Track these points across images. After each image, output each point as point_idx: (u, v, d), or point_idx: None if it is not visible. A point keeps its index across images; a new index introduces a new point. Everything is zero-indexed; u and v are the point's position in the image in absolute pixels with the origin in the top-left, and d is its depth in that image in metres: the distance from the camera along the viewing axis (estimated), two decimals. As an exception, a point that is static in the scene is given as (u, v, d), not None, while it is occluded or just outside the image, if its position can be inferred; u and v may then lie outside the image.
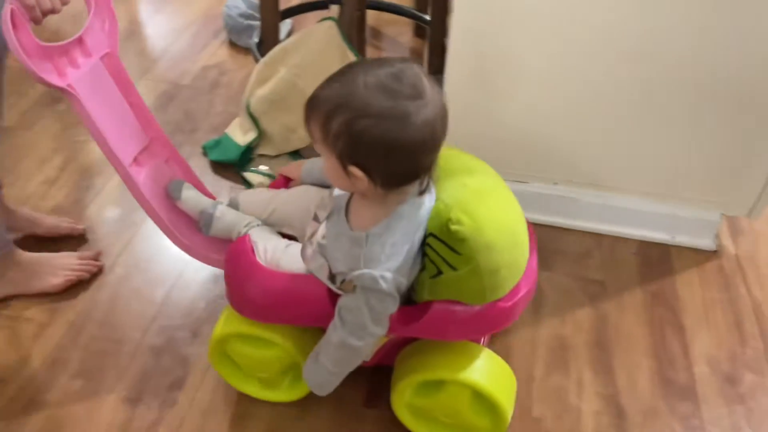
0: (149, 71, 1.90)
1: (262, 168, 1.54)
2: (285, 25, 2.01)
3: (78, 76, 0.96)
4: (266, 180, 1.51)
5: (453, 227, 0.84)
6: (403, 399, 1.00)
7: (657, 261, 1.40)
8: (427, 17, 1.93)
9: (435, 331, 0.95)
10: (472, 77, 1.30)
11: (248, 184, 1.53)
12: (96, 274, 1.30)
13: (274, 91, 1.47)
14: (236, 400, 1.11)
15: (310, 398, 1.05)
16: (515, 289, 0.94)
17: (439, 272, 0.87)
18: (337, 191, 0.91)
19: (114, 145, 0.99)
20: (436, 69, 1.67)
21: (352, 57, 1.42)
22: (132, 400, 1.10)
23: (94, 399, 1.10)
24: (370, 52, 1.95)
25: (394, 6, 2.02)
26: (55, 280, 1.26)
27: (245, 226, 1.04)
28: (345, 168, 0.80)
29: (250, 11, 2.03)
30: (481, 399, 0.96)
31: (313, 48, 1.42)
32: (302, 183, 1.09)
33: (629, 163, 1.34)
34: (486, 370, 0.96)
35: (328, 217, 0.92)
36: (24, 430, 1.05)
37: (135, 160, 1.05)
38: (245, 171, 1.55)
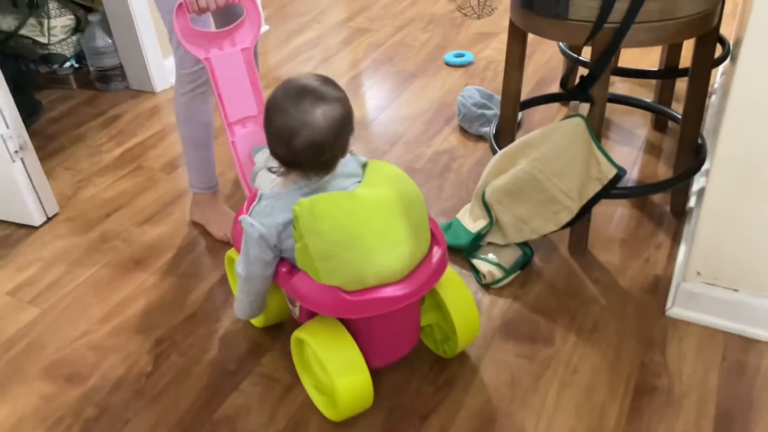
0: (386, 154, 2.03)
1: (491, 257, 1.54)
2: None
3: (218, 54, 1.42)
4: (494, 269, 1.51)
5: (294, 206, 1.09)
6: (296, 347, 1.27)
7: None
8: (674, 112, 1.83)
9: (295, 293, 1.18)
10: (739, 181, 1.19)
11: (476, 272, 1.54)
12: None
13: (512, 181, 1.48)
14: None
15: None
16: (367, 290, 1.12)
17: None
18: None
19: (226, 104, 1.44)
20: (687, 168, 1.56)
21: (599, 155, 1.39)
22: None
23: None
24: (604, 144, 1.89)
25: (639, 101, 1.95)
26: (219, 233, 1.67)
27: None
28: None
29: (484, 101, 2.10)
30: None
31: (558, 143, 1.41)
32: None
33: None
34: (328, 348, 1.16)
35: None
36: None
37: (241, 121, 1.46)
38: (473, 258, 1.56)
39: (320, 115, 1.09)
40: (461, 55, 2.55)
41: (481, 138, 2.05)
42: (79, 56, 2.54)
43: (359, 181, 1.19)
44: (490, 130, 1.78)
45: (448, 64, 2.53)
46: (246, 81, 1.46)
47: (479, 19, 1.68)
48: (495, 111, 2.07)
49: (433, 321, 1.32)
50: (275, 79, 2.48)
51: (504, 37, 2.80)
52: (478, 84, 2.35)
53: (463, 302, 1.26)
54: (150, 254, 1.68)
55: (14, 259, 1.70)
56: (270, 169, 1.21)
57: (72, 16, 2.45)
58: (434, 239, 1.22)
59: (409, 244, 1.15)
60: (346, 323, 1.20)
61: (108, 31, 2.43)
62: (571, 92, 1.45)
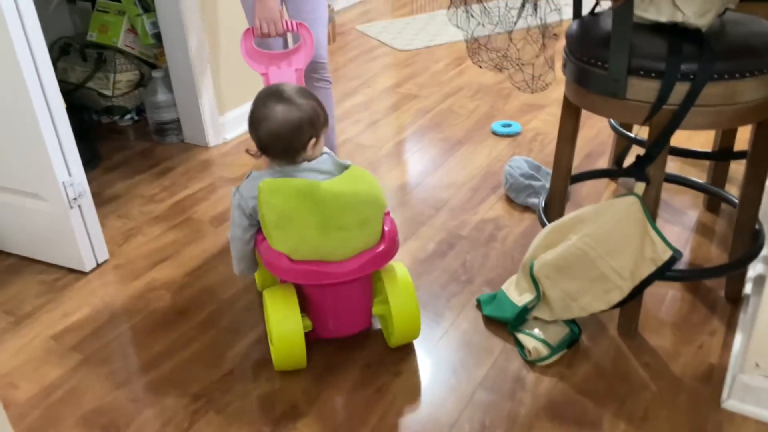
0: (431, 218, 2.03)
1: (537, 332, 1.50)
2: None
3: (275, 71, 1.72)
4: (540, 345, 1.47)
5: (260, 182, 1.33)
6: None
7: None
8: (730, 195, 1.80)
9: (260, 255, 1.47)
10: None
11: (521, 347, 1.50)
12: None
13: (562, 257, 1.46)
14: None
15: None
16: (308, 262, 1.37)
17: None
18: None
19: None
20: (743, 253, 1.52)
21: (654, 236, 1.36)
22: None
23: None
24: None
25: (692, 182, 1.92)
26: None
27: None
28: None
29: (532, 172, 2.10)
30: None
31: (612, 221, 1.39)
32: None
33: None
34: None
35: None
36: None
37: None
38: (518, 332, 1.52)
39: (279, 112, 1.38)
40: (508, 125, 2.57)
41: (527, 209, 2.04)
42: (139, 109, 2.65)
43: (330, 178, 1.39)
44: (538, 202, 1.78)
45: (495, 134, 2.56)
46: None
47: (532, 93, 1.70)
48: (542, 182, 2.06)
49: (381, 313, 1.52)
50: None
51: (552, 109, 2.84)
52: (525, 155, 2.36)
53: (406, 304, 1.44)
54: (192, 306, 1.69)
55: (61, 304, 1.73)
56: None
57: (137, 72, 2.57)
58: (384, 238, 1.43)
59: (352, 232, 1.36)
60: (301, 293, 1.44)
61: (169, 87, 2.54)
62: (626, 171, 1.44)
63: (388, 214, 1.47)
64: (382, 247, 1.42)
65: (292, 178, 1.37)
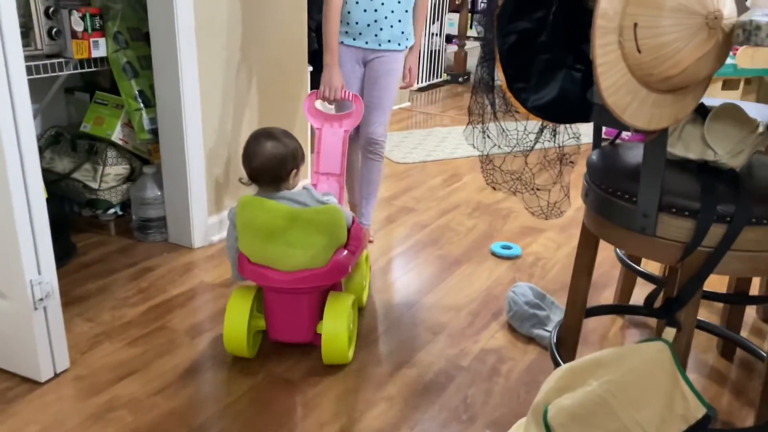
0: (428, 344, 1.88)
1: (550, 489, 1.31)
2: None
3: (328, 128, 2.15)
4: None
5: (240, 199, 1.66)
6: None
7: None
8: (754, 346, 1.69)
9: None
10: None
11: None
12: None
13: (580, 404, 1.30)
14: None
15: None
16: (257, 265, 1.68)
17: None
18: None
19: (321, 159, 2.16)
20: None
21: (686, 390, 1.22)
22: None
23: None
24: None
25: (713, 327, 1.81)
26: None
27: None
28: None
29: (536, 300, 1.98)
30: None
31: (637, 369, 1.26)
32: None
33: None
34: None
35: None
36: None
37: (326, 174, 2.16)
38: (528, 488, 1.33)
39: (269, 147, 1.69)
40: (508, 248, 2.48)
41: (532, 340, 1.90)
42: (124, 204, 2.53)
43: (302, 207, 1.66)
44: (543, 333, 1.64)
45: (494, 255, 2.46)
46: (339, 151, 2.15)
47: (546, 219, 1.63)
48: (547, 312, 1.94)
49: (320, 332, 1.72)
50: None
51: (551, 234, 2.78)
52: (527, 280, 2.25)
53: (336, 324, 1.67)
54: (157, 432, 1.49)
55: (7, 419, 1.51)
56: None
57: (127, 166, 2.47)
58: (328, 266, 1.68)
59: (296, 250, 1.63)
60: (263, 294, 1.76)
61: (159, 184, 2.44)
62: (655, 312, 1.32)
63: (356, 247, 1.77)
64: (320, 271, 1.67)
65: (265, 199, 1.64)
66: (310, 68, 2.98)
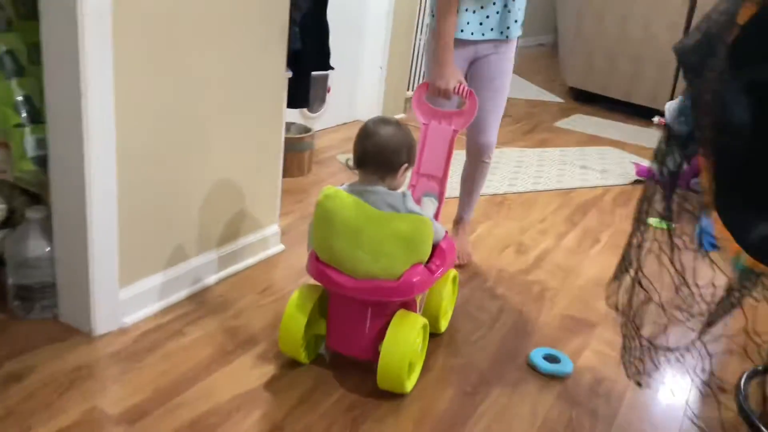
0: None
1: None
2: None
3: (434, 125, 1.93)
4: None
5: (324, 189, 1.57)
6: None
7: None
8: None
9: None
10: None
11: None
12: None
13: None
14: None
15: None
16: (325, 264, 1.55)
17: None
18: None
19: (423, 158, 1.90)
20: None
21: None
22: None
23: None
24: None
25: None
26: None
27: None
28: None
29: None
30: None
31: None
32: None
33: None
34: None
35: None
36: None
37: (426, 175, 1.90)
38: None
39: (389, 131, 1.59)
40: (554, 359, 1.75)
41: None
42: None
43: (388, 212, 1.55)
44: None
45: (534, 369, 1.73)
46: (444, 151, 1.89)
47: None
48: None
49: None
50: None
51: (605, 332, 2.03)
52: (589, 419, 1.52)
53: (395, 350, 1.49)
54: None
55: None
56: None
57: (3, 206, 1.67)
58: (399, 281, 1.52)
59: (368, 255, 1.51)
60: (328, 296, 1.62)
61: (48, 236, 1.64)
62: None
63: (438, 266, 1.60)
64: (389, 284, 1.51)
65: (350, 194, 1.53)
66: (290, 74, 2.20)
